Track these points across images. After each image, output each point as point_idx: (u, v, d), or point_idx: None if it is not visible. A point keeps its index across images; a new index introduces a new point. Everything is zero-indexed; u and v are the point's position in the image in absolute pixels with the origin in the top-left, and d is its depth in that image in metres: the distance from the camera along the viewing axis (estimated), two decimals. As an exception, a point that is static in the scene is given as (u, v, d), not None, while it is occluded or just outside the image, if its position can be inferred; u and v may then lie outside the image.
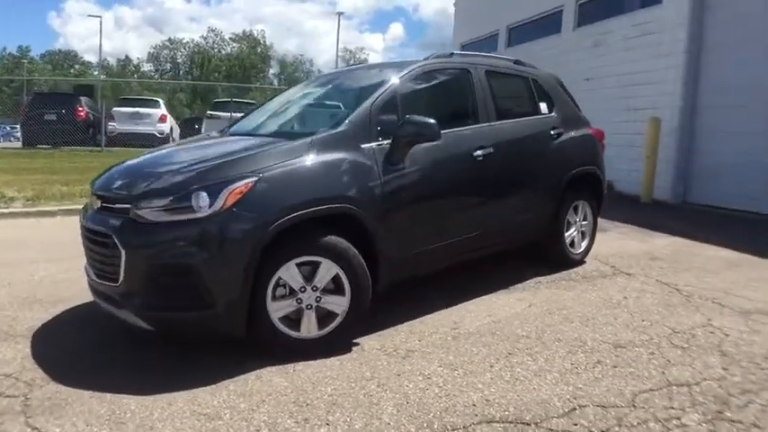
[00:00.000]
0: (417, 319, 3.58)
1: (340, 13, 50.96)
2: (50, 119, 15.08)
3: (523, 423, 2.37)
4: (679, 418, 2.41)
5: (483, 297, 4.06)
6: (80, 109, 15.66)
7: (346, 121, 3.26)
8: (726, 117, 8.50)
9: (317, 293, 2.97)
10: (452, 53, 4.10)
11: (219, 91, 56.53)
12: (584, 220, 4.98)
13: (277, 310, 2.89)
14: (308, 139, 3.10)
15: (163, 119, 16.49)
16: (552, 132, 4.58)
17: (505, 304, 3.92)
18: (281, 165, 2.92)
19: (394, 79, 3.57)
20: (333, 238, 2.97)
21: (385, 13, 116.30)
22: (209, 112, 17.46)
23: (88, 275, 3.22)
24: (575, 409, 2.49)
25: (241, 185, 2.75)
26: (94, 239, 2.96)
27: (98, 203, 3.04)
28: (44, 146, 15.03)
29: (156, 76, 64.82)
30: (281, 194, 2.84)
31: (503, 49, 14.79)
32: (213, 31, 68.57)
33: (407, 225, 3.40)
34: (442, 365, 2.94)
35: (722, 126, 8.57)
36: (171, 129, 17.04)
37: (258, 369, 2.83)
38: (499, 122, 4.11)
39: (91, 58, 76.69)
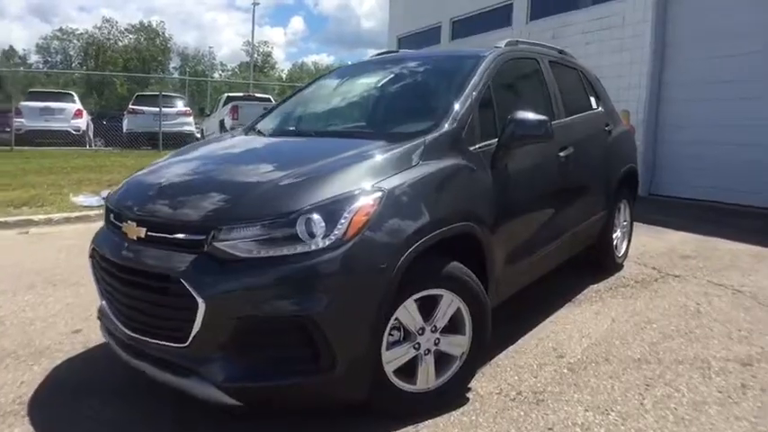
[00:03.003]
0: (511, 348, 3.05)
1: (255, 3, 48.32)
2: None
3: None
4: None
5: (558, 312, 3.62)
6: (-23, 104, 13.60)
7: (450, 118, 2.63)
8: (687, 110, 8.67)
9: (437, 335, 2.35)
10: (517, 41, 3.57)
11: (118, 85, 52.73)
12: (625, 221, 4.66)
13: (391, 360, 2.24)
14: (422, 141, 2.45)
15: (78, 114, 14.58)
16: (606, 128, 4.20)
17: (586, 320, 3.50)
18: (400, 175, 2.26)
19: (482, 69, 2.97)
20: (455, 266, 2.36)
21: (285, 6, 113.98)
22: (131, 106, 15.76)
23: (106, 323, 2.40)
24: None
25: (367, 204, 2.07)
26: (140, 283, 2.14)
27: (140, 231, 2.20)
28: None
29: (45, 70, 59.21)
30: (410, 214, 2.19)
31: (447, 42, 14.50)
32: (108, 21, 63.47)
33: (513, 239, 2.85)
34: (588, 409, 2.44)
35: (684, 119, 8.75)
36: (87, 125, 15.21)
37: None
38: (569, 119, 3.65)
39: (-34, 48, 68.80)
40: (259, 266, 1.95)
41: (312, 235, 1.97)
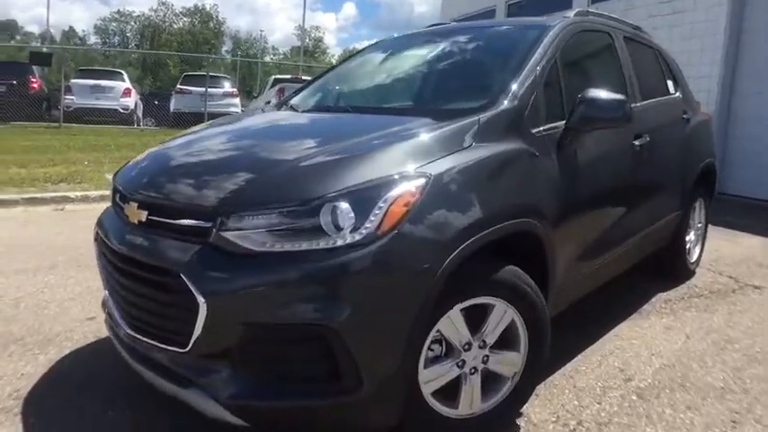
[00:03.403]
0: (569, 366, 2.64)
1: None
2: (-1, 90, 13.19)
3: None
4: None
5: (621, 325, 3.17)
6: (33, 80, 13.68)
7: (510, 95, 2.22)
8: (764, 103, 7.89)
9: (486, 351, 1.97)
10: (587, 11, 3.09)
11: (171, 66, 53.63)
12: (700, 222, 4.13)
13: (430, 379, 1.87)
14: (476, 119, 2.05)
15: (127, 93, 14.63)
16: (684, 117, 3.69)
17: (656, 336, 3.05)
18: (450, 158, 1.87)
19: (547, 40, 2.53)
20: (511, 270, 1.96)
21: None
22: (178, 86, 15.75)
23: (111, 319, 2.11)
24: None
25: (408, 192, 1.70)
26: (139, 275, 1.83)
27: (141, 215, 1.89)
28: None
29: (104, 51, 60.87)
30: (460, 205, 1.80)
31: (501, 27, 13.85)
32: (164, 4, 64.48)
33: (579, 239, 2.43)
34: (665, 452, 2.02)
35: (758, 113, 7.97)
36: (135, 104, 15.28)
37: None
38: (645, 103, 3.17)
39: (33, 29, 71.42)
40: (273, 263, 1.61)
41: (338, 227, 1.62)
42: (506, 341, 2.03)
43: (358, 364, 1.62)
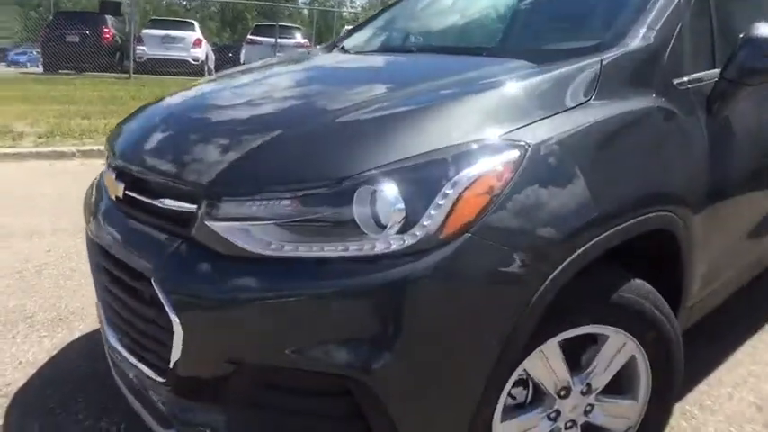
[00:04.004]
0: (689, 397, 2.00)
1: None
2: (73, 41, 13.21)
3: None
4: None
5: (753, 342, 2.45)
6: (106, 30, 13.67)
7: (643, 29, 1.52)
8: None
9: (591, 398, 1.38)
10: None
11: (250, 19, 53.88)
12: None
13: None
14: (596, 61, 1.39)
15: (197, 43, 14.38)
16: None
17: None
18: (555, 119, 1.25)
19: None
20: (638, 286, 1.34)
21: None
22: (249, 37, 15.44)
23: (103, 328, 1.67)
24: None
25: (491, 171, 1.10)
26: (111, 271, 1.36)
27: (118, 188, 1.38)
28: (66, 71, 13.31)
29: (185, 3, 61.94)
30: (572, 191, 1.19)
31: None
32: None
33: (726, 237, 1.75)
34: None
35: None
36: (206, 56, 15.05)
37: None
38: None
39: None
40: (278, 275, 1.08)
41: (380, 224, 1.06)
42: (619, 384, 1.43)
43: (397, 427, 1.08)
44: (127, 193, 1.33)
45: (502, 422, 1.29)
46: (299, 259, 1.07)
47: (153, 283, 1.13)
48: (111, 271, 1.35)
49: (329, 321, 1.05)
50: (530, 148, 1.16)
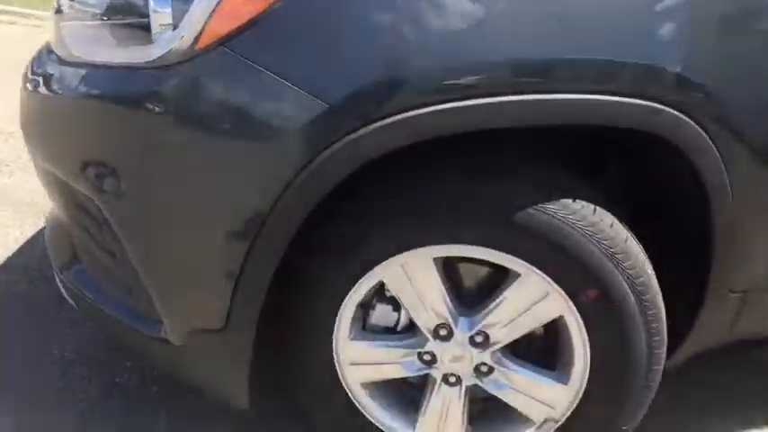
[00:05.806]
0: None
1: None
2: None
3: None
4: None
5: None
6: None
7: None
8: None
9: (486, 354, 0.99)
10: None
11: None
12: None
13: (359, 361, 1.02)
14: None
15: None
16: None
17: None
18: None
19: None
20: (580, 205, 0.88)
21: None
22: None
23: None
24: None
25: None
26: None
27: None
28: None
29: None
30: None
31: None
32: None
33: None
34: None
35: None
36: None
37: None
38: None
39: None
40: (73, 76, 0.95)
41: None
42: (548, 359, 1.01)
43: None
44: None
45: (351, 339, 1.00)
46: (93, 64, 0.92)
47: None
48: None
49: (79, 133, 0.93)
50: None
